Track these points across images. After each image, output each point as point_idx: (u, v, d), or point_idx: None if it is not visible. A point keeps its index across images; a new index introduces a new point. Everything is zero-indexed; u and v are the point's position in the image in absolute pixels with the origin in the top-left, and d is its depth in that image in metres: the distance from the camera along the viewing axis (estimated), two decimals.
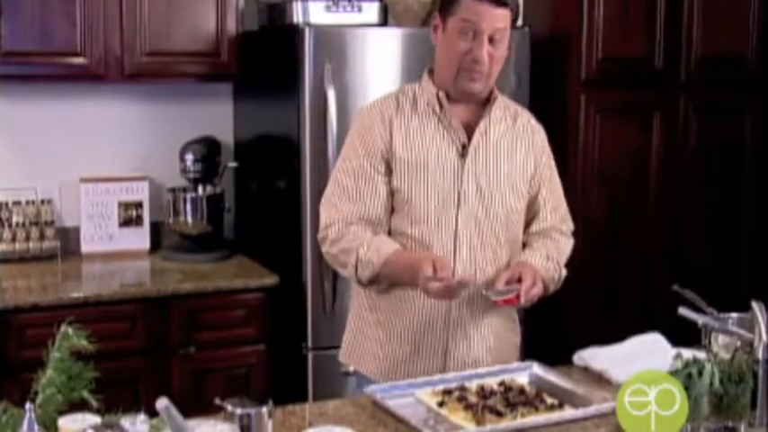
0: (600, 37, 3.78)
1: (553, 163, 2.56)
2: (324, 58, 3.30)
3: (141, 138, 3.88)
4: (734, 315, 2.24)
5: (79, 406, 1.76)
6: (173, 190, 3.78)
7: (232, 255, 3.79)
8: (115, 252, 3.75)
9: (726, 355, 2.06)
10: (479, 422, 2.01)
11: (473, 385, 2.20)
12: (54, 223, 3.71)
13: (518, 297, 2.29)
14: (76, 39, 3.44)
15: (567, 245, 2.56)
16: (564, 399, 2.15)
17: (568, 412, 2.09)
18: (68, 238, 3.74)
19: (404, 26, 3.56)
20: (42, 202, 3.69)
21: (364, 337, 2.48)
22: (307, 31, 3.30)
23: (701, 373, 1.87)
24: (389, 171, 2.38)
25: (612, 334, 2.52)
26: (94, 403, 1.75)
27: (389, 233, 2.40)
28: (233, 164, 3.88)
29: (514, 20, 2.37)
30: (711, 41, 3.98)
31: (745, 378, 1.92)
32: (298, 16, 3.46)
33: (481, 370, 2.31)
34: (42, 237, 3.67)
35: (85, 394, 1.75)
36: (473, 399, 2.12)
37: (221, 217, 3.82)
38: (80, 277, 3.57)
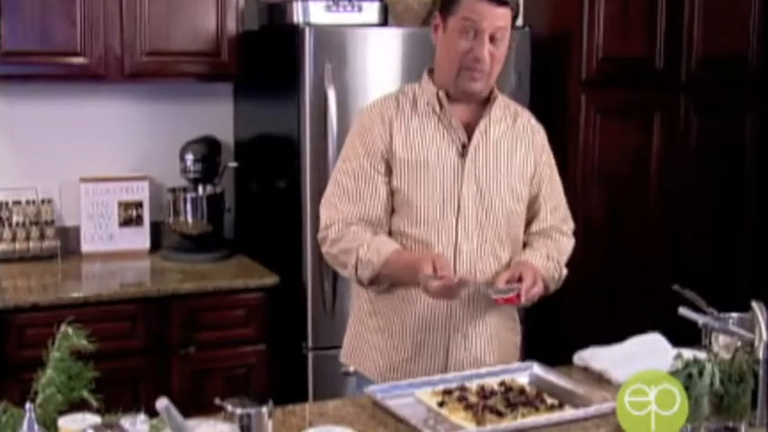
0: (600, 37, 3.78)
1: (553, 162, 2.56)
2: (324, 58, 3.30)
3: (141, 138, 3.88)
4: (734, 315, 2.24)
5: (79, 406, 1.76)
6: (173, 190, 3.78)
7: (232, 255, 3.79)
8: (115, 252, 3.75)
9: (726, 355, 2.06)
10: (480, 422, 2.01)
11: (473, 385, 2.20)
12: (54, 223, 3.71)
13: (518, 296, 2.29)
14: (76, 38, 3.44)
15: (567, 244, 2.56)
16: (564, 399, 2.15)
17: (569, 412, 2.09)
18: (68, 238, 3.74)
19: (404, 26, 3.56)
20: (42, 201, 3.69)
21: (365, 339, 2.48)
22: (307, 30, 3.30)
23: (701, 374, 1.87)
24: (389, 171, 2.38)
25: (613, 334, 2.52)
26: (94, 403, 1.75)
27: (390, 233, 2.40)
28: (233, 164, 3.88)
29: (514, 18, 2.38)
30: (712, 41, 3.98)
31: (746, 378, 1.92)
32: (298, 16, 3.46)
33: (482, 370, 2.31)
34: (42, 236, 3.67)
35: (85, 394, 1.75)
36: (473, 399, 2.12)
37: (221, 217, 3.82)
38: (80, 277, 3.57)
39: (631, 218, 3.95)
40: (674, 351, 2.12)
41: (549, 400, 2.14)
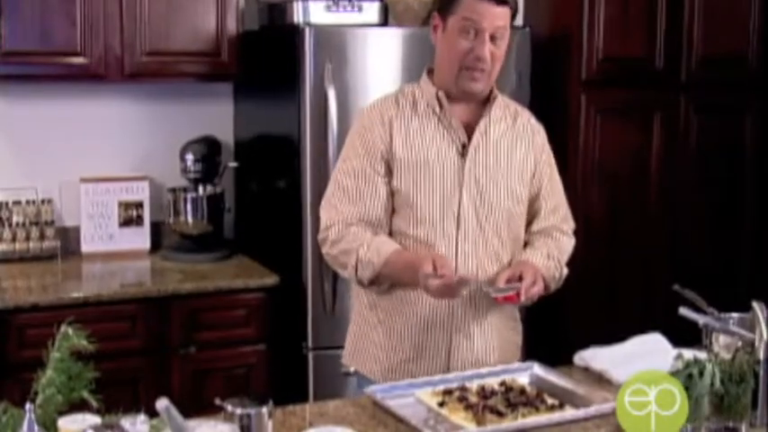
0: (600, 37, 3.79)
1: (553, 162, 2.56)
2: (324, 58, 3.30)
3: (141, 138, 3.88)
4: (734, 315, 2.24)
5: (79, 406, 1.75)
6: (173, 190, 3.78)
7: (232, 255, 3.79)
8: (115, 252, 3.75)
9: (727, 356, 2.05)
10: (480, 422, 2.00)
11: (473, 385, 2.20)
12: (54, 223, 3.71)
13: (518, 295, 2.29)
14: (76, 38, 3.44)
15: (568, 244, 2.56)
16: (565, 399, 2.15)
17: (569, 412, 2.09)
18: (68, 238, 3.74)
19: (404, 26, 3.56)
20: (42, 201, 3.69)
21: (367, 340, 2.47)
22: (307, 30, 3.30)
23: (701, 374, 1.87)
24: (389, 172, 2.38)
25: (613, 334, 2.52)
26: (94, 403, 1.74)
27: (390, 234, 2.40)
28: (233, 164, 3.88)
29: (513, 18, 2.37)
30: (712, 41, 3.99)
31: (746, 378, 1.92)
32: (298, 16, 3.46)
33: (483, 370, 2.31)
34: (42, 237, 3.67)
35: (85, 394, 1.75)
36: (474, 399, 2.12)
37: (221, 217, 3.82)
38: (80, 277, 3.57)
39: (631, 218, 3.95)
40: (674, 351, 2.12)
41: (550, 401, 2.14)
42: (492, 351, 2.43)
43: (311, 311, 3.38)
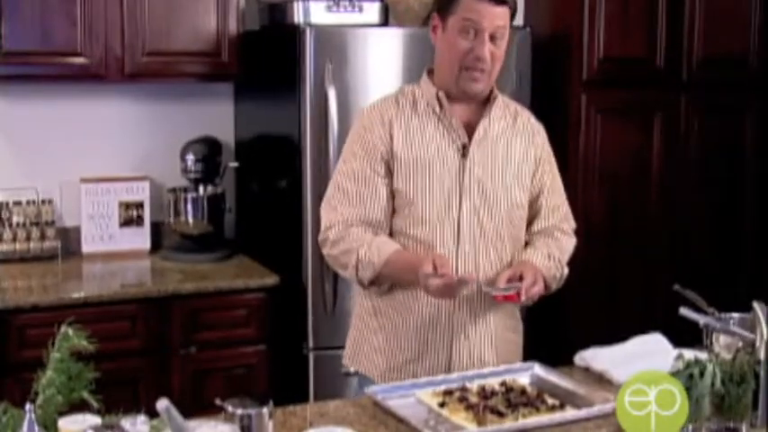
0: (601, 37, 3.79)
1: (554, 161, 2.56)
2: (325, 58, 3.30)
3: (141, 138, 3.88)
4: (735, 315, 2.23)
5: (79, 406, 1.75)
6: (173, 190, 3.78)
7: (233, 255, 3.79)
8: (116, 252, 3.75)
9: (727, 356, 2.05)
10: (480, 423, 2.00)
11: (474, 386, 2.20)
12: (54, 223, 3.71)
13: (519, 294, 2.28)
14: (77, 39, 3.43)
15: (568, 243, 2.56)
16: (565, 399, 2.15)
17: (570, 413, 2.08)
18: (69, 238, 3.74)
19: (405, 26, 3.56)
20: (43, 202, 3.69)
21: (368, 340, 2.47)
22: (307, 31, 3.30)
23: (702, 374, 1.87)
24: (390, 173, 2.38)
25: (614, 334, 2.52)
26: (95, 404, 1.74)
27: (391, 234, 2.40)
28: (234, 164, 3.87)
29: (512, 17, 2.37)
30: (712, 41, 3.99)
31: (747, 378, 1.92)
32: (299, 16, 3.46)
33: (484, 370, 2.31)
34: (43, 237, 3.67)
35: (86, 395, 1.75)
36: (474, 399, 2.12)
37: (222, 217, 3.82)
38: (80, 277, 3.57)
39: (632, 218, 3.95)
40: (675, 351, 2.12)
41: (550, 401, 2.14)
42: (493, 351, 2.43)
43: (312, 312, 3.38)
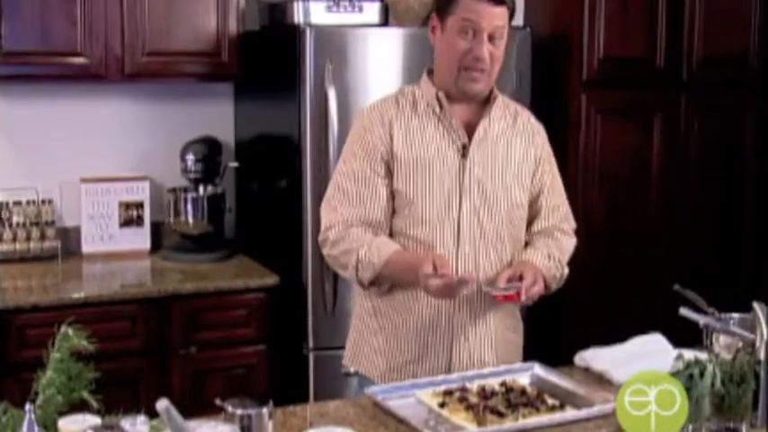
0: (601, 37, 3.79)
1: (554, 161, 2.56)
2: (325, 59, 3.29)
3: (141, 138, 3.88)
4: (735, 315, 2.23)
5: (79, 407, 1.75)
6: (173, 190, 3.78)
7: (233, 255, 3.79)
8: (116, 252, 3.75)
9: (727, 356, 2.05)
10: (480, 423, 2.00)
11: (474, 386, 2.20)
12: (54, 223, 3.71)
13: (519, 294, 2.28)
14: (77, 39, 3.43)
15: (569, 243, 2.56)
16: (565, 399, 2.15)
17: (570, 413, 2.08)
18: (69, 239, 3.74)
19: (405, 26, 3.56)
20: (43, 202, 3.69)
21: (368, 341, 2.47)
22: (308, 31, 3.30)
23: (702, 374, 1.87)
24: (389, 173, 2.38)
25: (614, 334, 2.52)
26: (94, 404, 1.74)
27: (391, 234, 2.40)
28: (234, 164, 3.87)
29: (511, 18, 2.37)
30: (712, 41, 3.99)
31: (747, 379, 1.92)
32: (299, 16, 3.46)
33: (484, 371, 2.31)
34: (43, 237, 3.67)
35: (85, 395, 1.75)
36: (474, 399, 2.12)
37: (222, 217, 3.82)
38: (80, 277, 3.57)
39: (632, 218, 3.95)
40: (675, 352, 2.12)
41: (550, 401, 2.14)
42: (494, 351, 2.43)
43: (312, 312, 3.38)
